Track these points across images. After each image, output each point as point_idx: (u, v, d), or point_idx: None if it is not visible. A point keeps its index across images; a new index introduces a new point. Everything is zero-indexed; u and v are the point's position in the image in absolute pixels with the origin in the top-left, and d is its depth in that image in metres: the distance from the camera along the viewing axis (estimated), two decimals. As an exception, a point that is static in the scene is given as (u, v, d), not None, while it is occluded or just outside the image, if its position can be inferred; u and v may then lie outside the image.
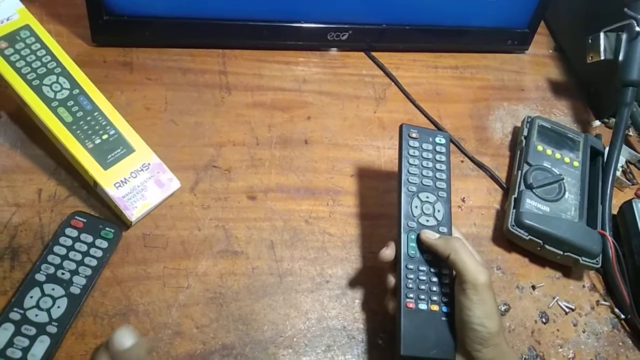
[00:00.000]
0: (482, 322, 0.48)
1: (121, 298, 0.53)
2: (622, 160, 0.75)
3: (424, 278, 0.52)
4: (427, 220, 0.54)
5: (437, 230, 0.54)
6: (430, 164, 0.57)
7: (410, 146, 0.57)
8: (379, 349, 0.55)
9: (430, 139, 0.58)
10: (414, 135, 0.57)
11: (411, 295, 0.51)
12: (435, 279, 0.52)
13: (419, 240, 0.53)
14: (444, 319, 0.51)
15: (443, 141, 0.58)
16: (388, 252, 0.53)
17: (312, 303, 0.57)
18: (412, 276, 0.52)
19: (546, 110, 0.80)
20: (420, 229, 0.54)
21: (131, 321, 0.52)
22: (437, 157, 0.57)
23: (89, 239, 0.54)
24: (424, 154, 0.57)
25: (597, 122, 0.80)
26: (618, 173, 0.74)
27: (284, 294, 0.57)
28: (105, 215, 0.57)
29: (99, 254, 0.53)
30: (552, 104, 0.81)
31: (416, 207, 0.54)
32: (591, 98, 0.82)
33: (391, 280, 0.53)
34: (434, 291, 0.52)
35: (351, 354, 0.55)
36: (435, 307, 0.51)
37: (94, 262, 0.53)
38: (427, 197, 0.55)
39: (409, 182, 0.55)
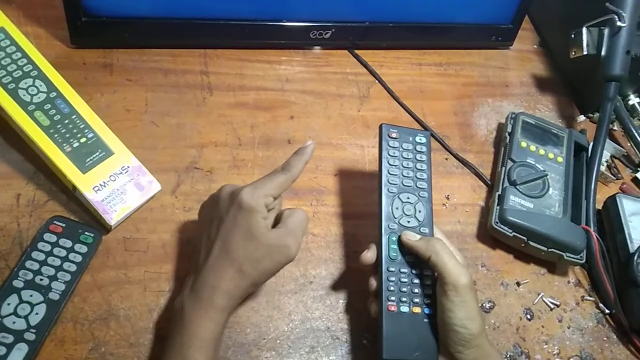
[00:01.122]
0: (463, 324, 0.48)
1: (101, 303, 0.53)
2: (606, 155, 0.76)
3: (406, 280, 0.52)
4: (409, 222, 0.54)
5: (419, 231, 0.54)
6: (411, 164, 0.56)
7: (390, 146, 0.56)
8: (364, 349, 0.55)
9: (411, 139, 0.57)
10: (393, 135, 0.57)
11: (393, 298, 0.51)
12: (417, 281, 0.52)
13: (400, 242, 0.53)
14: (426, 320, 0.51)
15: (424, 140, 0.58)
16: (369, 255, 0.53)
17: (295, 304, 0.57)
18: (393, 278, 0.52)
19: (531, 106, 0.80)
20: (401, 230, 0.53)
21: (112, 326, 0.51)
22: (418, 156, 0.57)
23: (68, 243, 0.53)
24: (405, 154, 0.56)
25: (581, 117, 0.80)
26: (603, 168, 0.74)
27: (267, 296, 0.56)
28: (85, 219, 0.56)
29: (79, 259, 0.53)
30: (536, 99, 0.81)
31: (397, 208, 0.54)
32: (576, 93, 0.82)
33: (373, 282, 0.53)
34: (416, 293, 0.52)
35: (335, 355, 0.55)
36: (417, 309, 0.51)
37: (73, 267, 0.52)
38: (408, 198, 0.55)
39: (389, 183, 0.55)
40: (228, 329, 0.53)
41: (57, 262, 0.52)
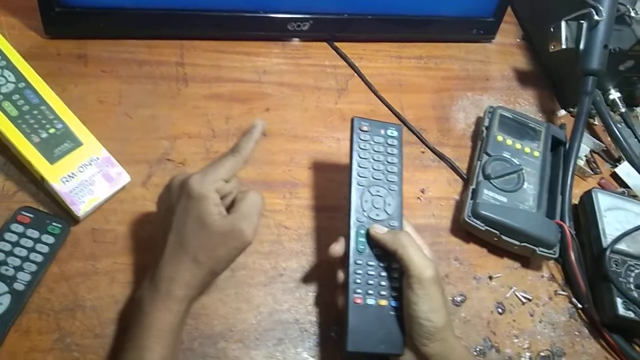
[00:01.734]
0: (428, 317, 0.48)
1: (68, 294, 0.52)
2: (586, 150, 0.75)
3: (373, 273, 0.52)
4: (377, 215, 0.54)
5: (388, 224, 0.54)
6: (382, 157, 0.56)
7: (362, 139, 0.56)
8: (332, 342, 0.55)
9: (382, 132, 0.57)
10: (365, 128, 0.56)
11: (359, 291, 0.51)
12: (384, 274, 0.52)
13: (369, 235, 0.53)
14: (392, 313, 0.51)
15: (395, 134, 0.57)
16: (337, 248, 0.53)
17: (264, 297, 0.57)
18: (360, 271, 0.51)
19: (511, 100, 0.80)
20: (370, 223, 0.53)
21: (78, 317, 0.51)
22: (389, 150, 0.57)
23: (35, 234, 0.53)
24: (375, 147, 0.56)
25: (562, 112, 0.80)
26: (582, 163, 0.74)
27: (236, 288, 0.56)
28: (54, 210, 0.56)
29: (45, 249, 0.53)
30: (517, 93, 0.81)
31: (366, 201, 0.54)
32: (557, 87, 0.82)
33: (341, 275, 0.53)
34: (383, 286, 0.52)
35: (302, 347, 0.55)
36: (383, 302, 0.51)
37: (39, 258, 0.52)
38: (378, 191, 0.55)
39: (359, 176, 0.55)
40: (195, 320, 0.54)
41: (24, 252, 0.52)
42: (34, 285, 0.51)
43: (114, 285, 0.54)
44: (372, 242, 0.53)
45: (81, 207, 0.55)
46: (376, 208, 0.54)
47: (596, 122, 0.80)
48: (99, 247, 0.56)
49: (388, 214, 0.54)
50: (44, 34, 0.67)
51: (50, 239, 0.53)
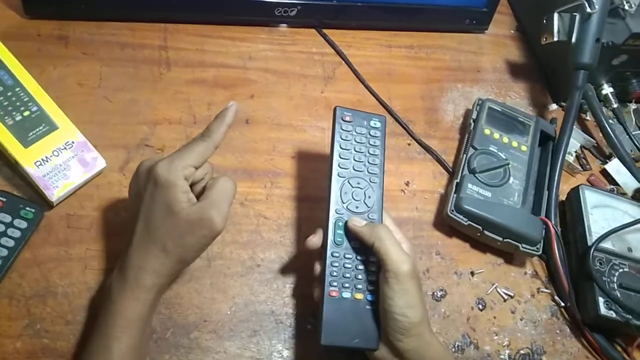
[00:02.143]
0: (403, 312, 0.47)
1: (40, 279, 0.52)
2: (576, 146, 0.74)
3: (350, 266, 0.51)
4: (357, 207, 0.53)
5: (367, 217, 0.53)
6: (364, 149, 0.55)
7: (343, 130, 0.55)
8: (307, 334, 0.55)
9: (365, 123, 0.56)
10: (347, 118, 0.55)
11: (335, 283, 0.50)
12: (361, 267, 0.51)
13: (347, 228, 0.52)
14: (368, 307, 0.50)
15: (378, 125, 0.56)
16: (315, 240, 0.52)
17: (240, 287, 0.56)
18: (337, 264, 0.51)
19: (502, 92, 0.79)
20: (349, 215, 0.52)
21: (49, 303, 0.51)
22: (372, 141, 0.55)
23: (7, 218, 0.52)
24: (357, 138, 0.55)
25: (554, 106, 0.78)
26: (571, 158, 0.72)
27: (212, 278, 0.56)
28: (29, 194, 0.55)
29: (17, 234, 0.52)
30: (509, 86, 0.79)
31: (346, 193, 0.53)
32: (549, 81, 0.80)
33: (317, 267, 0.52)
34: (360, 279, 0.51)
35: (277, 339, 0.54)
36: (359, 296, 0.50)
37: (11, 243, 0.51)
38: (358, 183, 0.54)
39: (339, 167, 0.54)
40: (168, 310, 0.53)
41: (-5, 237, 0.51)
42: (5, 270, 0.50)
43: (87, 272, 0.53)
44: (351, 234, 0.52)
45: (55, 192, 0.53)
46: (356, 200, 0.53)
47: (588, 118, 0.79)
48: (73, 233, 0.55)
49: (368, 207, 0.53)
50: (23, 14, 0.66)
51: (23, 224, 0.52)
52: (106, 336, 0.44)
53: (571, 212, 0.67)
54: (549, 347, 0.60)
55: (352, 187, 0.53)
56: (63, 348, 0.49)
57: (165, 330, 0.52)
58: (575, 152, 0.74)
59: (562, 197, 0.70)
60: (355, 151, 0.55)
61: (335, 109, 0.55)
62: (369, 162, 0.55)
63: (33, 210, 0.53)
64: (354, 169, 0.54)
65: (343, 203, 0.53)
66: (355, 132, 0.55)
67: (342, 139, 0.55)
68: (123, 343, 0.44)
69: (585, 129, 0.78)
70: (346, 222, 0.52)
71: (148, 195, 0.46)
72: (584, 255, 0.62)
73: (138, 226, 0.46)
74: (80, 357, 0.47)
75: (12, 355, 0.48)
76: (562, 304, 0.62)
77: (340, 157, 0.54)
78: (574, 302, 0.61)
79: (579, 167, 0.73)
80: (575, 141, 0.74)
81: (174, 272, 0.48)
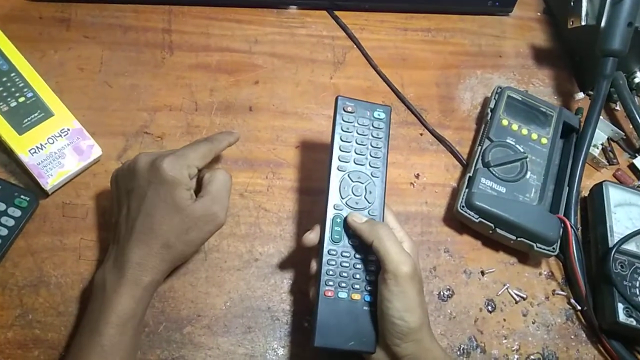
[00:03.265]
0: (401, 316, 0.45)
1: (33, 269, 0.51)
2: (603, 138, 0.69)
3: (347, 265, 0.48)
4: (357, 203, 0.50)
5: (367, 213, 0.50)
6: (366, 141, 0.52)
7: (345, 121, 0.52)
8: (304, 332, 0.53)
9: (368, 114, 0.53)
10: (349, 109, 0.52)
11: (331, 283, 0.48)
12: (360, 266, 0.49)
13: (346, 224, 0.49)
14: (365, 308, 0.48)
15: (383, 116, 0.53)
16: (311, 237, 0.50)
17: (236, 282, 0.54)
18: (333, 262, 0.48)
19: (524, 79, 0.74)
20: (348, 211, 0.50)
21: (41, 294, 0.50)
22: (375, 133, 0.52)
23: (2, 206, 0.51)
24: (359, 130, 0.52)
25: (580, 95, 0.73)
26: (596, 152, 0.68)
27: (208, 272, 0.54)
28: (25, 182, 0.54)
29: (11, 222, 0.51)
30: (532, 72, 0.74)
31: (345, 187, 0.50)
32: (576, 67, 0.75)
33: (314, 265, 0.50)
34: (357, 279, 0.48)
35: (273, 336, 0.52)
36: (356, 296, 0.48)
37: (4, 232, 0.51)
38: (359, 178, 0.51)
39: (339, 160, 0.51)
40: (161, 303, 0.52)
41: (-12, 225, 0.50)
42: (-2, 259, 0.50)
43: (81, 262, 0.52)
44: (350, 231, 0.49)
45: (49, 180, 0.52)
46: (356, 195, 0.50)
47: (618, 108, 0.73)
48: (68, 222, 0.54)
49: (368, 203, 0.50)
50: (26, -4, 0.65)
51: (17, 212, 0.52)
52: (98, 332, 0.43)
53: (593, 210, 0.63)
54: (562, 352, 0.57)
55: (352, 181, 0.51)
56: (54, 339, 0.49)
57: (158, 324, 0.51)
58: (602, 144, 0.69)
59: (585, 193, 0.65)
60: (357, 144, 0.52)
61: (336, 99, 0.52)
62: (371, 156, 0.52)
63: (27, 199, 0.52)
64: (354, 162, 0.51)
65: (342, 198, 0.50)
66: (358, 123, 0.52)
67: (343, 130, 0.52)
68: (115, 339, 0.44)
69: (615, 120, 0.73)
70: (345, 218, 0.49)
71: (151, 191, 0.46)
72: (604, 257, 0.58)
73: (138, 222, 0.46)
74: (70, 350, 0.46)
75: (3, 345, 0.48)
76: (579, 308, 0.59)
77: (341, 150, 0.51)
78: (591, 306, 0.57)
79: (605, 161, 0.68)
80: (602, 133, 0.69)
81: (171, 268, 0.48)
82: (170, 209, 0.46)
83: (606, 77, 0.63)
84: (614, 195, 0.61)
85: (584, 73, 0.73)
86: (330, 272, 0.48)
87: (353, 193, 0.50)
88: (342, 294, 0.48)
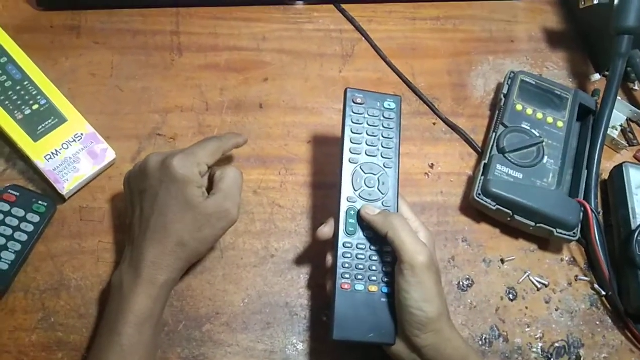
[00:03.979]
0: (420, 306, 0.44)
1: (54, 273, 0.52)
2: (622, 119, 0.67)
3: (363, 257, 0.48)
4: (370, 194, 0.50)
5: (381, 204, 0.50)
6: (377, 132, 0.51)
7: (355, 112, 0.52)
8: (323, 326, 0.53)
9: (379, 104, 0.52)
10: (359, 100, 0.52)
11: (347, 275, 0.47)
12: (376, 258, 0.48)
13: (360, 217, 0.49)
14: (383, 300, 0.48)
15: (393, 106, 0.52)
16: (326, 230, 0.50)
17: (254, 278, 0.54)
18: (349, 255, 0.48)
19: (538, 63, 0.72)
20: (361, 204, 0.49)
21: (63, 297, 0.51)
22: (385, 124, 0.52)
23: (21, 213, 0.52)
24: (370, 121, 0.52)
25: (596, 76, 0.71)
26: (615, 133, 0.66)
27: (225, 269, 0.54)
28: (42, 188, 0.55)
29: (30, 228, 0.52)
30: (545, 56, 0.73)
31: (358, 180, 0.50)
32: (591, 48, 0.73)
33: (329, 259, 0.50)
34: (374, 270, 0.48)
35: (292, 332, 0.52)
36: (374, 288, 0.48)
37: (24, 237, 0.52)
38: (371, 169, 0.50)
39: (351, 152, 0.51)
40: (180, 302, 0.52)
41: (9, 231, 0.51)
42: (19, 264, 0.51)
43: (99, 264, 0.53)
44: (364, 223, 0.49)
45: (65, 185, 0.53)
46: (369, 187, 0.50)
47: (636, 87, 0.71)
48: (86, 225, 0.54)
49: (382, 194, 0.50)
50: (36, 6, 0.65)
51: (36, 218, 0.52)
52: (117, 332, 0.43)
53: (613, 192, 0.61)
54: (587, 339, 0.56)
55: (365, 173, 0.50)
56: (76, 341, 0.49)
57: (177, 323, 0.51)
58: (621, 125, 0.67)
59: (605, 176, 0.64)
60: (368, 135, 0.51)
61: (345, 91, 0.52)
62: (382, 147, 0.51)
63: (45, 204, 0.53)
64: (366, 154, 0.51)
65: (355, 191, 0.50)
66: (368, 114, 0.52)
67: (354, 122, 0.51)
68: (134, 339, 0.44)
69: (634, 100, 0.71)
70: (359, 210, 0.49)
71: (163, 190, 0.46)
72: (627, 240, 0.56)
73: (152, 221, 0.46)
74: (90, 351, 0.47)
75: (28, 348, 0.49)
76: (603, 293, 0.58)
77: (352, 142, 0.51)
78: (616, 291, 0.56)
79: (625, 143, 0.67)
80: (621, 114, 0.67)
81: (187, 266, 0.48)
82: (183, 207, 0.46)
83: (622, 56, 0.61)
84: (635, 176, 0.60)
85: (599, 53, 0.72)
86: (347, 265, 0.48)
87: (366, 185, 0.50)
88: (359, 286, 0.48)
